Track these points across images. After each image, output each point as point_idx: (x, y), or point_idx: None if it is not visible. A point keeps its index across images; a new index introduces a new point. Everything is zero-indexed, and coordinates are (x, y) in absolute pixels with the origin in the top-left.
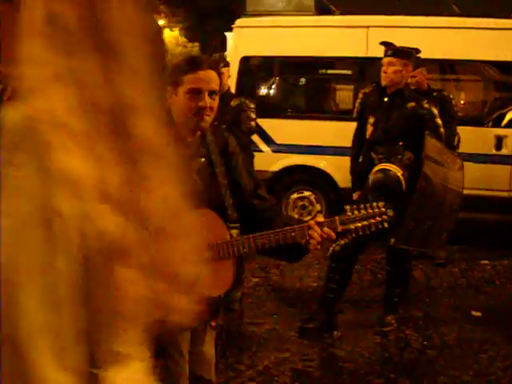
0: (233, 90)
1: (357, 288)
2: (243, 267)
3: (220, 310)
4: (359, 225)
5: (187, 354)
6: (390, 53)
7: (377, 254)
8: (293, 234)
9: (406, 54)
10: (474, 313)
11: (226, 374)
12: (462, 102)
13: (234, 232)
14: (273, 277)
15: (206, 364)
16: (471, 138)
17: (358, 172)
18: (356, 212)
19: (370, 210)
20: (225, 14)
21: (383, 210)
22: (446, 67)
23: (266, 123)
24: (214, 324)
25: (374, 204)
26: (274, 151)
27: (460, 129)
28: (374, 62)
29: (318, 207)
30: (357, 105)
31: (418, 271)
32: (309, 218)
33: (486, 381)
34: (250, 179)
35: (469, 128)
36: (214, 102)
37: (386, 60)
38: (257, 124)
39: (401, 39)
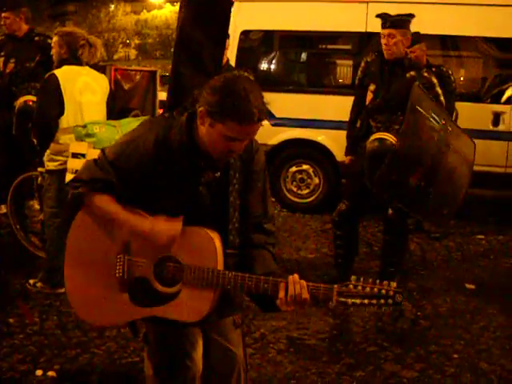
0: (232, 63)
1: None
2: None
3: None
4: (357, 302)
5: (199, 359)
6: (388, 24)
7: (373, 226)
8: (265, 285)
9: (404, 23)
10: (467, 285)
11: None
12: (461, 78)
13: (230, 260)
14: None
15: (230, 363)
16: (469, 113)
17: (354, 137)
18: (360, 287)
19: (376, 290)
20: None
21: (391, 293)
22: (445, 43)
23: (266, 97)
24: (238, 320)
25: (386, 283)
26: (273, 125)
27: (458, 104)
28: (374, 36)
29: (316, 180)
30: (359, 72)
31: (414, 244)
32: (307, 191)
33: (476, 350)
34: (263, 208)
35: (467, 104)
36: (247, 141)
37: (385, 32)
38: None
39: None
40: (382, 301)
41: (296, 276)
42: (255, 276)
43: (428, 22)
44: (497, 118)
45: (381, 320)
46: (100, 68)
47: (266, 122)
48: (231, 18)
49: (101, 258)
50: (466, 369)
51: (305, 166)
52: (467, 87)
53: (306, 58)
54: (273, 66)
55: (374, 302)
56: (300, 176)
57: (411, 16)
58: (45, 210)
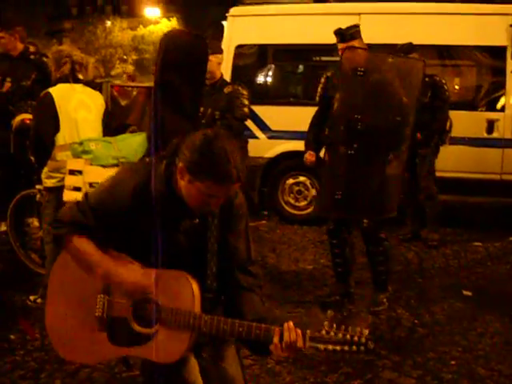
0: (227, 78)
1: None
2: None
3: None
4: (330, 348)
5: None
6: (348, 37)
7: None
8: (257, 331)
9: (359, 33)
10: (464, 292)
11: None
12: (455, 87)
13: (207, 305)
14: (269, 260)
15: (228, 381)
16: (463, 122)
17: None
18: (332, 333)
19: (349, 337)
20: (222, 2)
21: (364, 340)
22: (438, 53)
23: (262, 110)
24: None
25: (358, 329)
26: (269, 137)
27: (452, 113)
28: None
29: (314, 192)
30: (319, 89)
31: (411, 253)
32: (304, 202)
33: (474, 356)
34: (246, 250)
35: (461, 112)
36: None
37: (343, 46)
38: (250, 110)
39: (392, 25)
40: (354, 347)
41: (291, 323)
42: (246, 322)
43: (420, 32)
44: (491, 125)
45: (379, 328)
46: (96, 85)
47: (262, 135)
48: (226, 33)
49: (81, 297)
50: (464, 375)
51: (301, 178)
52: (461, 96)
53: (301, 70)
54: (268, 80)
55: (346, 348)
56: (297, 188)
57: (357, 25)
58: (44, 226)
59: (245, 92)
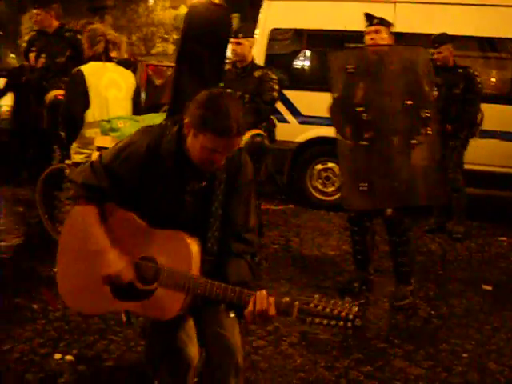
0: (261, 62)
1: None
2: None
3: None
4: (317, 320)
5: (194, 350)
6: (375, 21)
7: None
8: (232, 294)
9: (387, 22)
10: (484, 286)
11: None
12: (491, 79)
13: (206, 267)
14: (293, 244)
15: (225, 347)
16: (497, 115)
17: None
18: (320, 307)
19: (336, 312)
20: None
21: (351, 317)
22: (474, 44)
23: (293, 95)
24: (232, 315)
25: (347, 306)
26: (300, 122)
27: (486, 106)
28: (401, 36)
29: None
30: None
31: (435, 244)
32: (332, 188)
33: (486, 350)
34: (244, 218)
35: (495, 106)
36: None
37: (372, 28)
38: (280, 94)
39: (427, 15)
40: (341, 323)
41: (264, 292)
42: (223, 285)
43: (456, 22)
44: None
45: (394, 318)
46: (132, 63)
47: (293, 120)
48: (261, 17)
49: (88, 254)
50: (474, 368)
51: (330, 164)
52: (496, 89)
53: None
54: (301, 64)
55: (333, 323)
56: (325, 174)
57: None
58: None
59: (274, 76)
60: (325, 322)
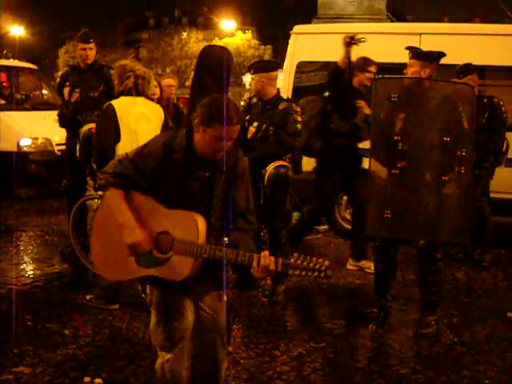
0: (289, 94)
1: (398, 285)
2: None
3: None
4: (297, 272)
5: (191, 319)
6: (410, 55)
7: None
8: (242, 257)
9: (424, 56)
10: (509, 314)
11: (262, 358)
12: None
13: (212, 239)
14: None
15: (212, 324)
16: None
17: None
18: (299, 262)
19: (311, 265)
20: (300, 17)
21: (323, 268)
22: (498, 74)
23: None
24: (223, 296)
25: (320, 261)
26: None
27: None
28: None
29: None
30: None
31: (461, 272)
32: None
33: (509, 377)
34: (245, 201)
35: None
36: (233, 140)
37: (408, 62)
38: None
39: (452, 46)
40: (316, 273)
41: (266, 252)
42: (235, 251)
43: (480, 53)
44: None
45: (417, 344)
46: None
47: None
48: (289, 50)
49: (116, 230)
50: None
51: None
52: None
53: None
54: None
55: (310, 274)
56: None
57: (440, 53)
58: None
59: (298, 109)
60: (303, 273)
